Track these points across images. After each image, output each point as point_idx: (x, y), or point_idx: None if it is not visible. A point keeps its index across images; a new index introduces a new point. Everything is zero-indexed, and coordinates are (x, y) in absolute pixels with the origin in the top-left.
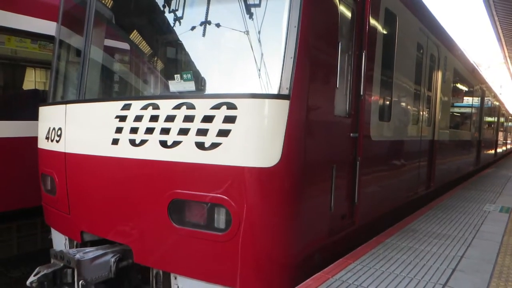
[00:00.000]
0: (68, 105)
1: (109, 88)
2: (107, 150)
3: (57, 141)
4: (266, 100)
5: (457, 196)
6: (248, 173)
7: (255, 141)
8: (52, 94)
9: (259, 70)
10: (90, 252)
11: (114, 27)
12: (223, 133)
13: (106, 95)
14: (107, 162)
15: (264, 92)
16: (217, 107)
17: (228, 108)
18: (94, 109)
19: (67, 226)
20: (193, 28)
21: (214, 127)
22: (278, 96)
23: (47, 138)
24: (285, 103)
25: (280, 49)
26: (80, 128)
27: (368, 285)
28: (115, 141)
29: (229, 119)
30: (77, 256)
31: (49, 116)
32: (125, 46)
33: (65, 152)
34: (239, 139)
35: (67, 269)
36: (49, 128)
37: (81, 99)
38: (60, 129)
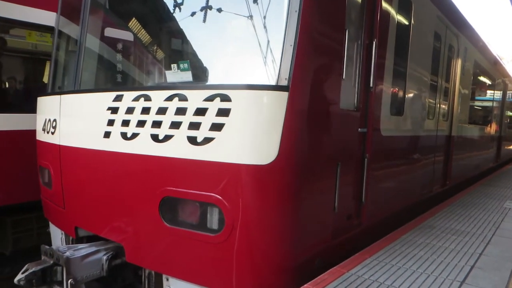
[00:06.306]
0: (62, 95)
1: (103, 78)
2: (99, 144)
3: (52, 133)
4: (263, 92)
5: (476, 193)
6: (241, 170)
7: (249, 136)
8: (51, 84)
9: (256, 59)
10: (83, 249)
11: (110, 14)
12: (216, 127)
13: (101, 86)
14: (99, 156)
15: (261, 83)
16: (210, 99)
17: (222, 100)
18: (87, 100)
19: (62, 221)
20: (185, 14)
21: (207, 120)
22: (276, 88)
23: (43, 129)
24: (284, 95)
25: (279, 35)
26: (74, 120)
27: (384, 281)
28: (107, 134)
29: (223, 112)
30: (67, 253)
31: (46, 107)
32: (121, 34)
33: (59, 145)
34: (232, 134)
35: (57, 266)
36: (45, 119)
37: (75, 89)
38: (55, 120)
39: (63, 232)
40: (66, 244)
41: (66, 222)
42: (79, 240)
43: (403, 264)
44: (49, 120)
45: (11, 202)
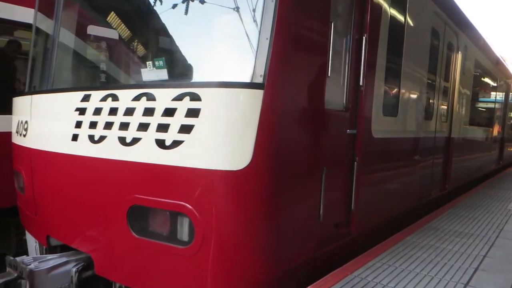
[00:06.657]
0: (33, 96)
1: (75, 76)
2: (67, 147)
3: (24, 136)
4: (235, 90)
5: (480, 195)
6: (211, 177)
7: (220, 139)
8: (28, 84)
9: (228, 53)
10: (51, 260)
11: (84, 7)
12: (185, 129)
13: (72, 85)
14: (67, 160)
15: (233, 80)
16: (179, 98)
17: (191, 100)
18: (57, 100)
19: (35, 229)
20: (153, 5)
21: (175, 122)
22: (249, 85)
23: (17, 132)
24: (259, 93)
25: (254, 28)
26: (44, 122)
27: (388, 283)
28: (74, 137)
29: (192, 113)
30: (31, 266)
31: (19, 108)
32: (92, 30)
33: (30, 148)
34: (202, 136)
35: (21, 279)
36: (18, 121)
37: (45, 89)
38: (26, 122)
39: (37, 241)
40: (40, 253)
41: (38, 230)
42: (52, 249)
43: (406, 266)
44: (21, 122)
45: (15, 203)
